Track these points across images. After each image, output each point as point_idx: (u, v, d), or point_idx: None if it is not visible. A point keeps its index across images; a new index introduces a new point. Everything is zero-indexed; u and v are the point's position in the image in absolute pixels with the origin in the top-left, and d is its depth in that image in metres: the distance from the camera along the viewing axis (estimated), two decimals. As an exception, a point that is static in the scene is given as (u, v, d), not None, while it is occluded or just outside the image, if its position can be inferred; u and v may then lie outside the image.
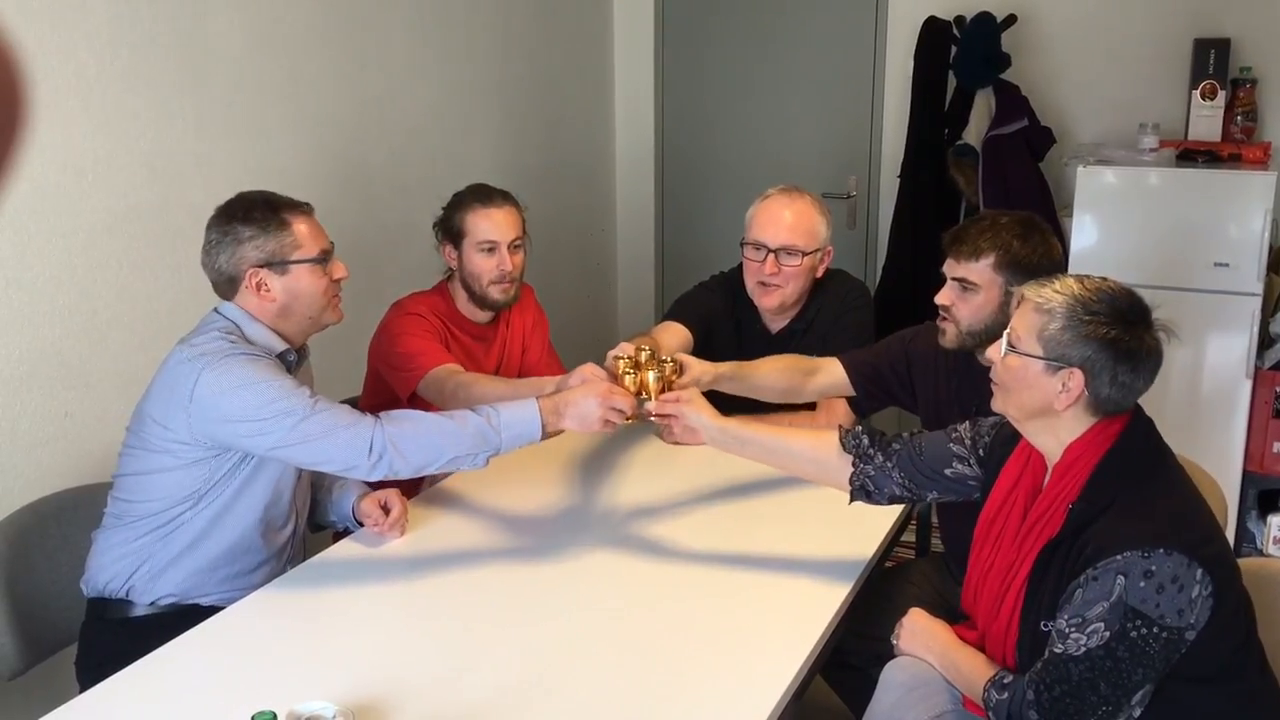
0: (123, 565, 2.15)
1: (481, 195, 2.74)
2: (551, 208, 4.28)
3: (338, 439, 2.02)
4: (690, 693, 1.80)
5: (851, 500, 2.15)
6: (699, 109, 4.70)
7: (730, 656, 1.91)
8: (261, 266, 2.12)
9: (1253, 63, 3.75)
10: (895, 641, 2.02)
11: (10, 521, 2.23)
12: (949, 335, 2.33)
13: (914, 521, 2.74)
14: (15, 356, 2.42)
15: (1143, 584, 1.67)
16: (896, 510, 2.46)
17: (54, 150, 2.45)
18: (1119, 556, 1.68)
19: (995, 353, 1.87)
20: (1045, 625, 1.79)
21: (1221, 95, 3.69)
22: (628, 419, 2.17)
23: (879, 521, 2.40)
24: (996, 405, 1.90)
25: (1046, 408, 1.80)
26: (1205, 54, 3.72)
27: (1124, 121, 3.86)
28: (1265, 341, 3.54)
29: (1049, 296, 1.79)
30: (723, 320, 2.84)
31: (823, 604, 2.06)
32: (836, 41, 4.43)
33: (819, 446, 2.18)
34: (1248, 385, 3.52)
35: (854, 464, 2.12)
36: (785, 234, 2.69)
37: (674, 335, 2.69)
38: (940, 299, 2.33)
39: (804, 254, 2.70)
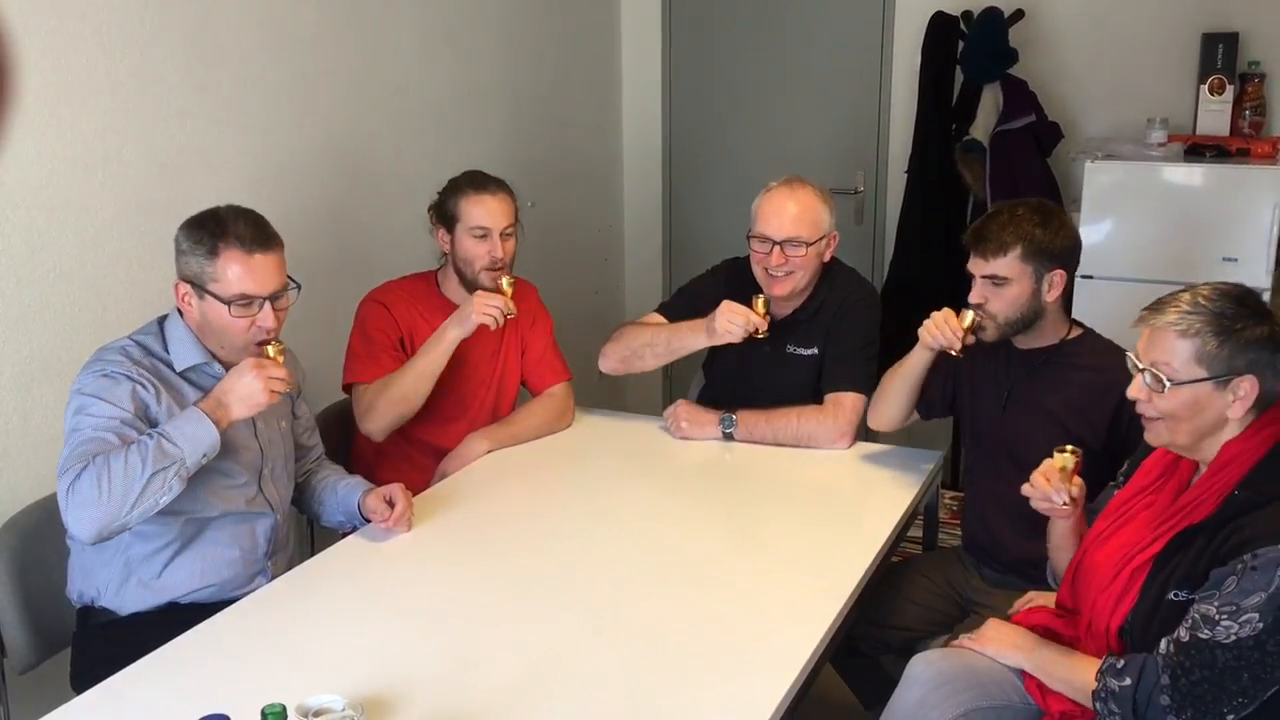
0: (89, 575, 2.17)
1: (476, 182, 2.77)
2: (559, 205, 4.28)
3: (62, 485, 1.95)
4: (701, 680, 1.80)
5: None
6: (706, 106, 4.69)
7: (742, 644, 1.91)
8: (186, 280, 2.14)
9: (1261, 57, 3.74)
10: (972, 646, 2.02)
11: (22, 516, 2.25)
12: (989, 331, 2.38)
13: (921, 517, 2.75)
14: (25, 353, 2.43)
15: None
16: (906, 501, 2.48)
17: (63, 147, 2.46)
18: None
19: (1141, 391, 1.86)
20: (1176, 594, 1.78)
21: (1230, 89, 3.67)
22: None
23: (887, 513, 2.41)
24: (1160, 439, 1.90)
25: (1220, 422, 1.82)
26: (1213, 48, 3.70)
27: (1132, 116, 3.85)
28: (1274, 336, 3.53)
29: (1186, 321, 1.80)
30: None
31: (834, 591, 2.07)
32: (843, 37, 4.42)
33: None
34: (1257, 380, 3.51)
35: None
36: (790, 226, 2.72)
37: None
38: (973, 298, 2.36)
39: (808, 244, 2.72)
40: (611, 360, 2.90)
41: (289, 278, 2.19)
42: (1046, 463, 2.06)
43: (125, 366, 2.09)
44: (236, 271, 2.09)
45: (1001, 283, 2.32)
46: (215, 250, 2.10)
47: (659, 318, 2.91)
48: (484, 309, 2.59)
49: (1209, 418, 1.82)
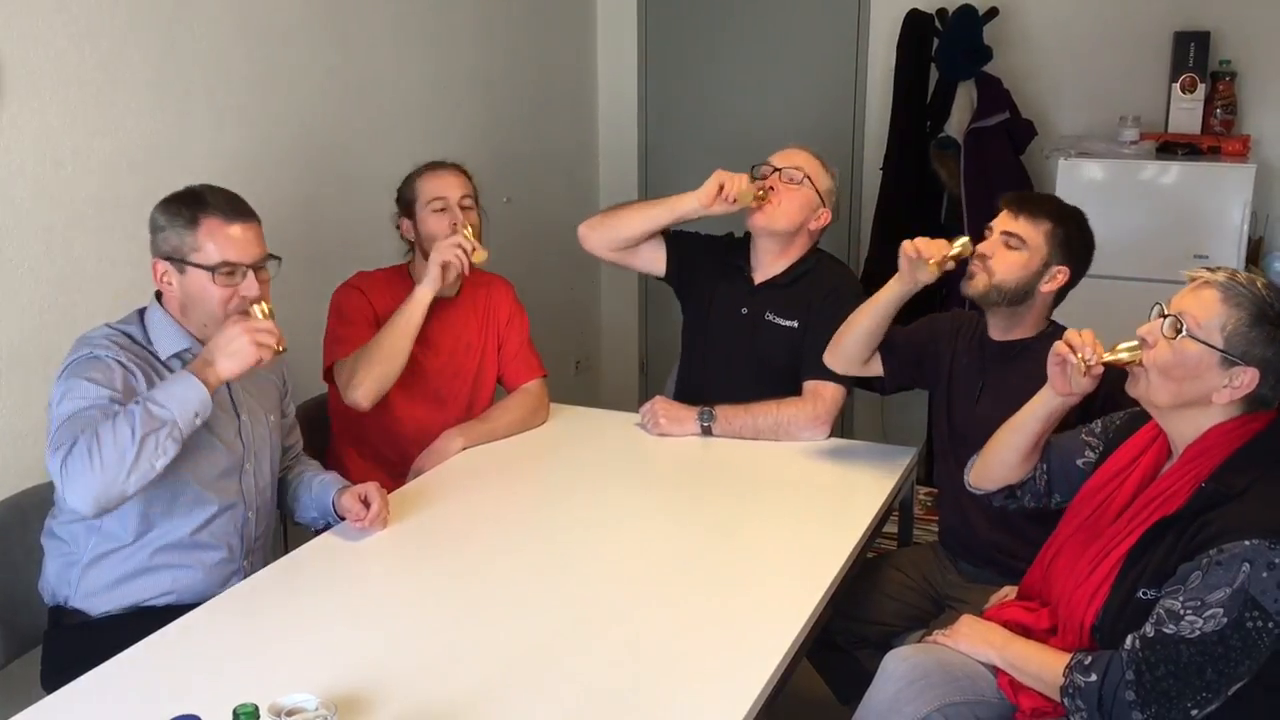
0: (61, 575, 2.15)
1: (429, 164, 2.83)
2: (535, 202, 4.27)
3: (54, 463, 1.92)
4: (678, 675, 1.80)
5: (993, 498, 2.20)
6: (682, 101, 4.69)
7: (719, 639, 1.91)
8: (165, 259, 2.12)
9: (1232, 56, 3.77)
10: (945, 642, 2.02)
11: (-10, 515, 2.22)
12: (978, 282, 2.37)
13: (896, 513, 2.76)
14: (-6, 349, 2.40)
15: (1265, 575, 1.67)
16: (882, 497, 2.48)
17: (32, 141, 2.43)
18: (1246, 542, 1.68)
19: (1152, 332, 1.83)
20: (1145, 593, 1.78)
21: (1201, 88, 3.71)
22: (278, 352, 2.04)
23: (864, 508, 2.42)
24: (1139, 391, 1.87)
25: (1203, 399, 1.80)
26: (1185, 47, 3.74)
27: (1105, 114, 3.87)
28: (1244, 333, 3.56)
29: (1235, 289, 1.78)
30: (713, 257, 2.94)
31: (811, 587, 2.07)
32: (819, 34, 4.43)
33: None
34: (1227, 376, 3.54)
35: None
36: (794, 159, 2.84)
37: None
38: (982, 248, 2.38)
39: (807, 176, 2.80)
40: (592, 219, 2.94)
41: (270, 253, 2.17)
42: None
43: (113, 350, 2.07)
44: (218, 239, 2.09)
45: (1017, 245, 2.34)
46: (195, 220, 2.09)
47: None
48: (446, 249, 2.62)
49: (1196, 389, 1.80)
